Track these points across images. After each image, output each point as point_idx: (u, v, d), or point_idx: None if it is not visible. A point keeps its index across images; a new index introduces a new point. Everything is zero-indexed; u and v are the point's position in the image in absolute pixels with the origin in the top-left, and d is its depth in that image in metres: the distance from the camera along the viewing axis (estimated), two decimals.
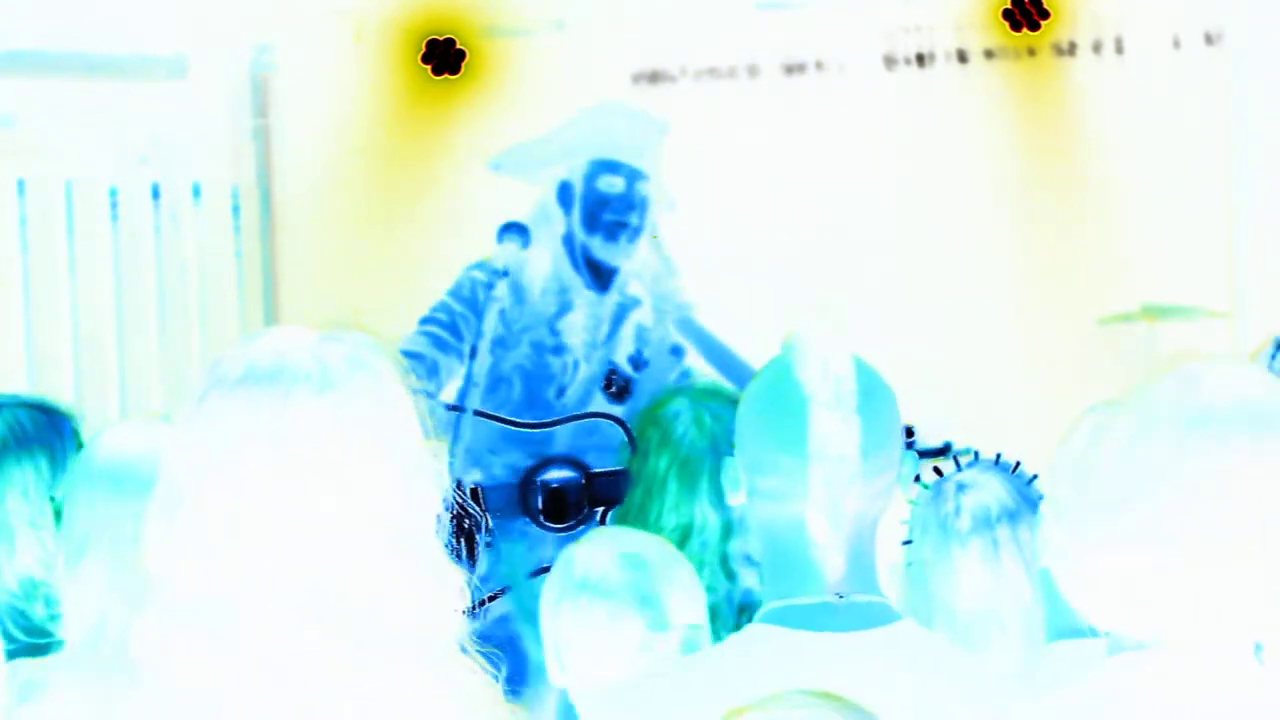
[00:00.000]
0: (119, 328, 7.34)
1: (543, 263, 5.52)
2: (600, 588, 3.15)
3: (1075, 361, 6.85)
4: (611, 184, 5.50)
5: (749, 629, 2.46)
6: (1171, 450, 2.11)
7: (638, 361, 5.52)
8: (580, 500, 5.31)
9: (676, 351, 5.61)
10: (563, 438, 5.40)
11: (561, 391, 5.51)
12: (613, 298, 5.54)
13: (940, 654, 2.49)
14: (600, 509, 5.27)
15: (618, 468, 5.16)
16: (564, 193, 5.53)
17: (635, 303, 5.57)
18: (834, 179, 7.27)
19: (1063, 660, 2.78)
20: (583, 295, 5.50)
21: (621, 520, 3.91)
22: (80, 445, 3.42)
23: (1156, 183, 7.04)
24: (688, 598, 3.19)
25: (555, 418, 5.44)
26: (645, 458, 4.04)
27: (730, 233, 7.17)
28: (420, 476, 2.05)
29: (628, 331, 5.53)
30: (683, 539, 3.79)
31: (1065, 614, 2.82)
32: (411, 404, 2.08)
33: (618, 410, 5.47)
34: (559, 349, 5.52)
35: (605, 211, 5.48)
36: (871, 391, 2.44)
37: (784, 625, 2.42)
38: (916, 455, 2.53)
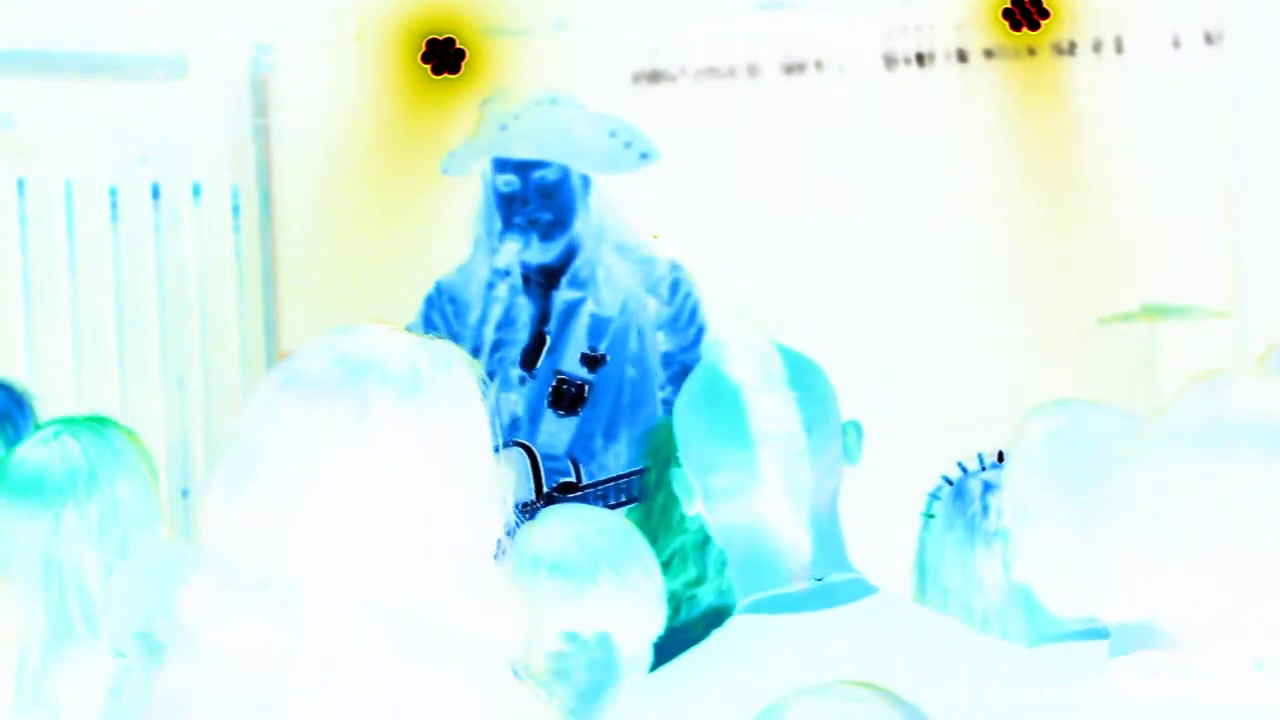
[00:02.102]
0: (119, 328, 7.34)
1: (484, 270, 5.31)
2: (556, 564, 3.16)
3: (1075, 361, 6.85)
4: (507, 182, 5.26)
5: (731, 621, 2.46)
6: (1182, 460, 2.11)
7: (593, 359, 5.35)
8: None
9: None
10: None
11: (515, 425, 5.25)
12: (562, 295, 5.32)
13: (922, 620, 2.51)
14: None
15: (523, 501, 4.97)
16: (488, 192, 5.36)
17: (584, 294, 5.33)
18: (834, 179, 7.26)
19: (1048, 662, 2.80)
20: (520, 299, 5.29)
21: (644, 524, 3.92)
22: (37, 424, 3.45)
23: (1156, 183, 7.04)
24: (643, 574, 3.20)
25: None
26: (669, 464, 4.07)
27: (730, 232, 7.17)
28: (490, 494, 2.05)
29: (580, 325, 5.32)
30: (706, 539, 3.81)
31: (1044, 622, 2.83)
32: (488, 421, 2.07)
33: (570, 423, 5.21)
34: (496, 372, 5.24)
35: (513, 213, 5.25)
36: (799, 369, 2.46)
37: (765, 613, 2.42)
38: (859, 424, 2.53)
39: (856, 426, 2.52)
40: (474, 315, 5.29)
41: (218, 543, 2.01)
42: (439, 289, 5.41)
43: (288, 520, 1.98)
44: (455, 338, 5.22)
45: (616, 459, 5.21)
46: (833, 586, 2.43)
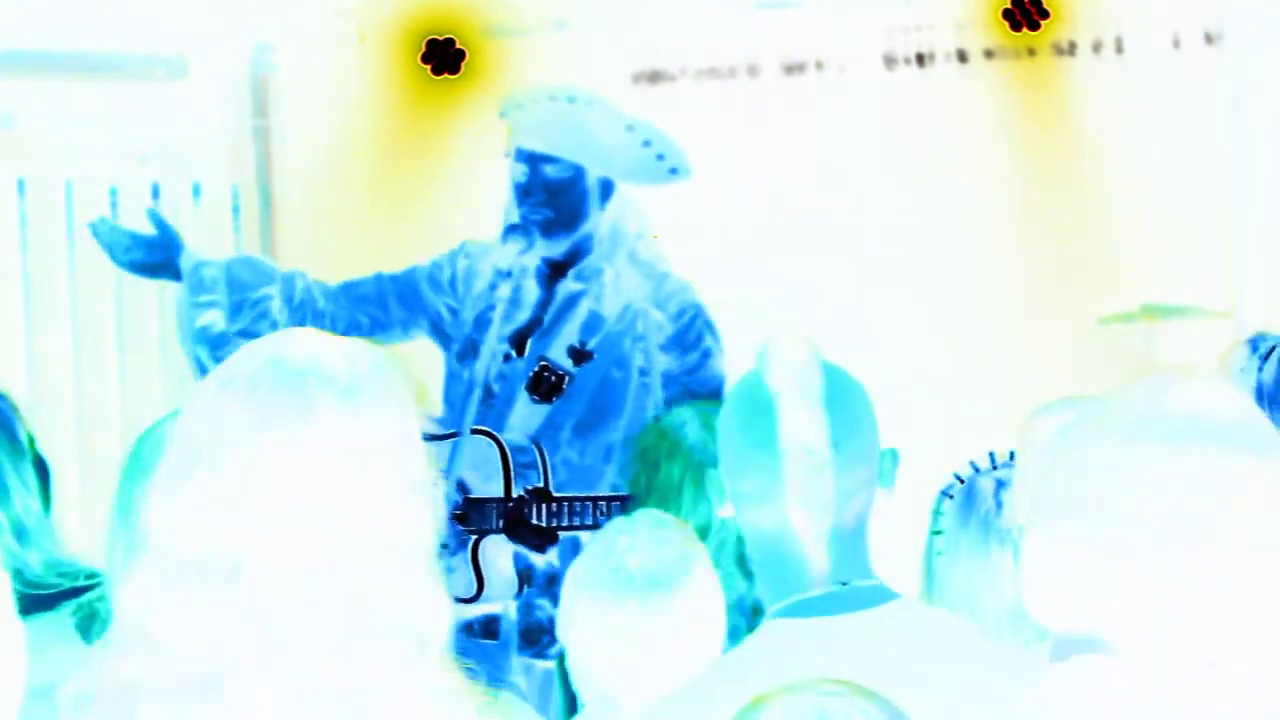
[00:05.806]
0: (119, 328, 7.34)
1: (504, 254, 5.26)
2: (631, 577, 3.15)
3: (1075, 361, 6.85)
4: (523, 171, 5.16)
5: (764, 626, 2.52)
6: (1122, 457, 2.10)
7: (579, 353, 5.25)
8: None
9: (639, 338, 5.28)
10: (450, 451, 5.03)
11: (489, 395, 5.20)
12: (566, 285, 5.27)
13: (942, 623, 2.56)
14: (473, 539, 4.97)
15: (496, 496, 4.94)
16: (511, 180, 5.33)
17: (587, 289, 5.33)
18: (834, 179, 7.27)
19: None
20: (529, 282, 5.27)
21: None
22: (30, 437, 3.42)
23: (1156, 182, 7.04)
24: (706, 584, 3.20)
25: (446, 430, 5.09)
26: (656, 468, 4.07)
27: (730, 233, 7.17)
28: (421, 492, 2.13)
29: (576, 319, 5.23)
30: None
31: None
32: (420, 423, 2.15)
33: (543, 410, 5.16)
34: (475, 344, 5.23)
35: (521, 204, 5.19)
36: (839, 388, 2.51)
37: (795, 616, 2.48)
38: (895, 452, 2.57)
39: (893, 454, 2.56)
40: (477, 293, 5.27)
41: (160, 537, 2.07)
42: (462, 248, 5.38)
43: (228, 514, 2.05)
44: (457, 298, 5.24)
45: (579, 456, 5.18)
46: (859, 591, 2.49)
